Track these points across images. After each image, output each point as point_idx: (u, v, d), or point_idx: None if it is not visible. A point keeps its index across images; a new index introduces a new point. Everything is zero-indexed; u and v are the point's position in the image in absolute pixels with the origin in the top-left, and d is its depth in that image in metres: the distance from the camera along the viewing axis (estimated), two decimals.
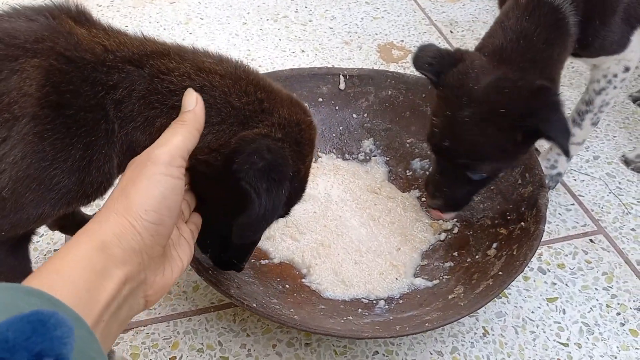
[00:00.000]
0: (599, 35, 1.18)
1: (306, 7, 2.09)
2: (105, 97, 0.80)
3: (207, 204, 0.92)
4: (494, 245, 1.21)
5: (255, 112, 0.83)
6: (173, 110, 0.81)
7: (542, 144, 1.58)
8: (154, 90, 0.81)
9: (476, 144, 1.10)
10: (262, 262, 1.23)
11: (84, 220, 1.21)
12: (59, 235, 1.29)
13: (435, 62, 1.15)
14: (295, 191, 0.90)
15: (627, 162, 1.54)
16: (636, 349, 1.16)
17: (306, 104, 1.44)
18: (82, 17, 0.84)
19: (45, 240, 1.29)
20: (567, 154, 1.08)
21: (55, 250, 1.27)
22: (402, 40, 1.97)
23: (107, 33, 0.84)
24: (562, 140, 1.04)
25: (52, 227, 1.19)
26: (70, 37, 0.80)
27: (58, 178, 0.79)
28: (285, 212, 0.93)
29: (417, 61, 1.17)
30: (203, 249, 1.00)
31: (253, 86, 0.84)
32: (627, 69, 1.30)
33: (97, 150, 0.81)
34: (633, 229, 1.39)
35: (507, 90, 1.06)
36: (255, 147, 0.79)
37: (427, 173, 1.43)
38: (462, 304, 1.07)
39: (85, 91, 0.78)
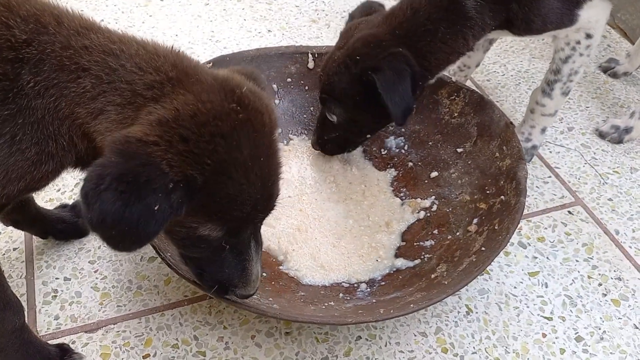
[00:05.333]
0: (525, 18, 1.16)
1: None
2: (15, 63, 0.70)
3: None
4: (475, 220, 1.18)
5: (152, 98, 0.72)
6: (84, 72, 0.72)
7: (516, 118, 1.56)
8: (69, 46, 0.72)
9: (331, 81, 1.20)
10: None
11: (38, 214, 1.14)
12: (17, 234, 1.21)
13: (360, 8, 1.30)
14: (205, 201, 0.73)
15: (602, 135, 1.53)
16: (619, 318, 1.16)
17: (274, 85, 1.42)
18: None
19: (3, 238, 1.21)
20: (397, 121, 1.15)
21: (14, 249, 1.20)
22: None
23: None
24: (390, 102, 1.11)
25: (5, 222, 1.11)
26: None
27: None
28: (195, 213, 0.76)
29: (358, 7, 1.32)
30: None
31: (169, 65, 0.74)
32: (589, 36, 1.26)
33: (19, 129, 0.72)
34: (610, 199, 1.39)
35: (370, 44, 1.15)
36: (114, 151, 0.68)
37: (403, 151, 1.39)
38: (445, 283, 1.04)
39: None
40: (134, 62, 0.73)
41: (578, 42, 1.27)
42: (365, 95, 1.15)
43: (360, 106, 1.19)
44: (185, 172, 0.70)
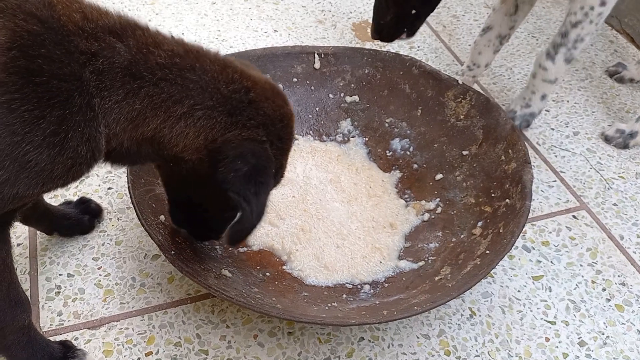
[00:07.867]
0: None
1: None
2: (83, 66, 0.73)
3: (187, 196, 0.94)
4: (479, 223, 1.18)
5: (241, 102, 0.83)
6: (162, 82, 0.78)
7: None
8: (140, 61, 0.77)
9: None
10: (241, 250, 1.17)
11: (47, 210, 1.14)
12: (21, 229, 1.21)
13: None
14: (275, 183, 0.92)
15: (607, 139, 1.53)
16: (622, 324, 1.15)
17: (280, 85, 1.43)
18: None
19: None
20: None
21: (19, 244, 1.20)
22: None
23: (84, 3, 0.78)
24: None
25: None
26: None
27: (30, 155, 0.71)
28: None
29: None
30: (178, 225, 1.04)
31: (239, 74, 0.84)
32: (603, 3, 1.29)
33: (72, 127, 0.73)
34: (615, 204, 1.38)
35: None
36: (240, 152, 0.82)
37: (408, 153, 1.39)
38: (449, 285, 1.04)
39: (59, 57, 0.72)
40: (211, 75, 0.82)
41: (592, 8, 1.29)
42: None
43: None
44: (281, 162, 0.91)
